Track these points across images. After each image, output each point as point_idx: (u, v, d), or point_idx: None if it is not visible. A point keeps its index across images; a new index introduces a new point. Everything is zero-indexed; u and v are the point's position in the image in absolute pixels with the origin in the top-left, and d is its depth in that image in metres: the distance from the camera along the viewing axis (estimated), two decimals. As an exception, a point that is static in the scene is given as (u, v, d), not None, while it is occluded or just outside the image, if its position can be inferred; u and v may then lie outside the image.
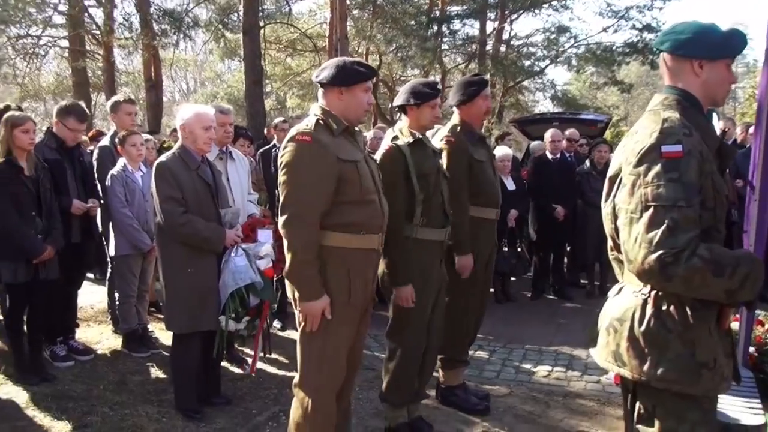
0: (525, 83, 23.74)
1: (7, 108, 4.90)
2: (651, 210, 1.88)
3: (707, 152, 1.97)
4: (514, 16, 22.35)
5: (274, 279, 4.20)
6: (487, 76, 4.24)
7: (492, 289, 7.33)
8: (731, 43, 2.05)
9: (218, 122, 4.26)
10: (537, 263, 7.54)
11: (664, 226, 1.84)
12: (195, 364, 3.94)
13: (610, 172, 2.15)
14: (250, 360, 4.44)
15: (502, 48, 22.69)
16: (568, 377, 4.85)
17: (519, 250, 7.69)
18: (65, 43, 19.03)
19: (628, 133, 2.15)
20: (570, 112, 15.36)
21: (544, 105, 26.47)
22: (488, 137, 19.00)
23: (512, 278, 7.55)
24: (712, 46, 2.04)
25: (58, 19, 18.35)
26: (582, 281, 7.86)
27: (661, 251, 1.82)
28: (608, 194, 2.15)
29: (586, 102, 25.96)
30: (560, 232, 7.23)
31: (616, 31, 20.74)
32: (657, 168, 1.90)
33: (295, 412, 2.95)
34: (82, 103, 5.08)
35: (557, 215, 7.03)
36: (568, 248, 7.88)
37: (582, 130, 8.96)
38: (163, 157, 3.88)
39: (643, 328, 2.01)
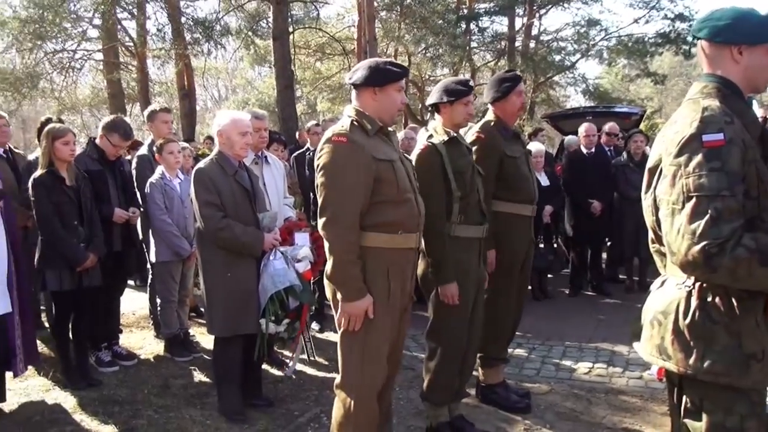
0: (556, 78, 23.46)
1: (49, 121, 5.04)
2: (693, 200, 1.84)
3: (750, 140, 1.93)
4: (542, 11, 22.15)
5: (312, 281, 4.24)
6: (513, 72, 4.11)
7: (530, 287, 7.30)
8: (771, 27, 2.01)
9: (253, 127, 4.32)
10: (574, 259, 7.46)
11: (708, 216, 1.80)
12: (237, 367, 3.98)
13: (649, 164, 2.12)
14: (290, 362, 4.48)
15: (532, 44, 22.49)
16: (610, 373, 4.79)
17: (555, 246, 7.63)
18: (100, 56, 19.40)
19: (667, 123, 2.12)
20: (603, 106, 15.16)
21: (576, 100, 26.20)
22: (522, 132, 18.89)
23: (549, 275, 7.47)
24: (751, 31, 2.00)
25: (93, 33, 18.73)
26: (621, 276, 7.76)
27: (705, 242, 1.79)
28: (648, 186, 2.11)
29: (618, 95, 25.61)
30: (597, 227, 7.15)
31: (647, 21, 20.39)
32: (698, 157, 1.86)
33: (337, 413, 2.97)
34: (128, 120, 5.20)
35: (594, 210, 6.96)
36: (607, 243, 7.80)
37: (616, 124, 8.84)
38: (201, 164, 3.94)
39: (688, 320, 1.97)
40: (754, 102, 2.36)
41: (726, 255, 1.77)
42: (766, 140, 2.06)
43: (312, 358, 4.93)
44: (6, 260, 3.82)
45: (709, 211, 1.81)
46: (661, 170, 2.01)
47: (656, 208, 2.03)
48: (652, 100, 29.84)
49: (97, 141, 4.93)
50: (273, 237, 3.93)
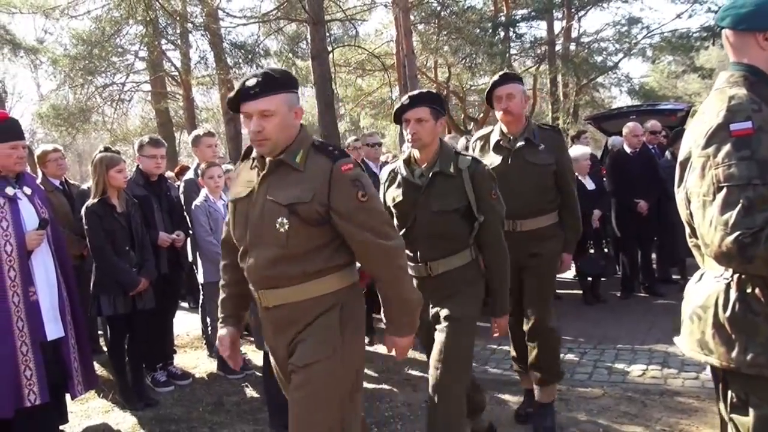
0: (599, 80, 23.17)
1: (107, 149, 5.23)
2: (724, 191, 1.82)
3: (780, 127, 1.89)
4: (581, 13, 21.93)
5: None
6: (498, 75, 3.88)
7: (581, 291, 7.21)
8: (796, 11, 1.97)
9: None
10: (624, 261, 7.32)
11: (740, 206, 1.77)
12: None
13: (680, 157, 2.10)
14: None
15: (572, 46, 22.25)
16: (665, 375, 4.69)
17: (606, 250, 7.51)
18: (147, 86, 20.03)
19: (696, 115, 2.09)
20: (647, 104, 14.89)
21: (622, 100, 25.76)
22: (565, 135, 18.73)
23: (602, 279, 7.35)
24: (776, 17, 1.97)
25: (139, 65, 19.34)
26: (674, 276, 7.58)
27: (738, 232, 1.76)
28: (680, 180, 2.09)
29: (665, 92, 25.10)
30: (645, 227, 7.02)
31: (690, 16, 20.04)
32: (727, 147, 1.84)
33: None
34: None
35: (640, 209, 6.83)
36: (657, 243, 7.63)
37: (661, 121, 8.69)
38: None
39: (728, 313, 1.94)
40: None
41: (761, 244, 1.74)
42: (799, 126, 2.02)
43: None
44: (56, 287, 3.97)
45: (741, 201, 1.78)
46: (691, 163, 1.99)
47: (689, 202, 2.01)
48: (700, 95, 29.00)
49: (140, 165, 5.10)
50: None
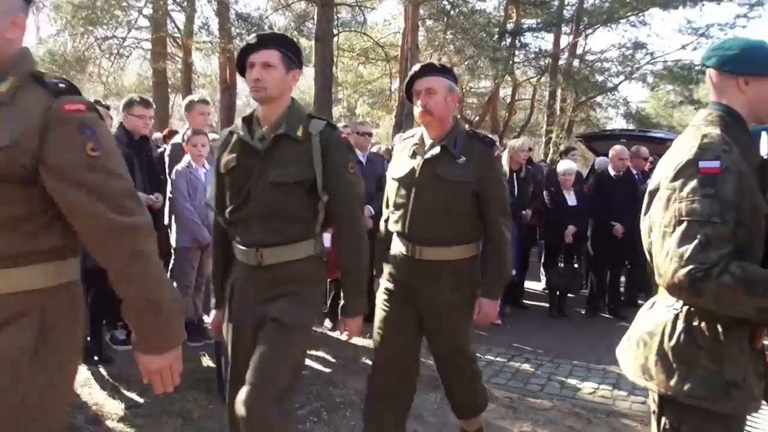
0: (598, 99, 23.34)
1: (98, 103, 5.21)
2: (684, 224, 1.87)
3: (747, 170, 1.94)
4: (589, 31, 22.00)
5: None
6: (420, 65, 3.30)
7: (548, 304, 7.31)
8: (779, 60, 2.02)
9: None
10: (593, 280, 7.43)
11: (696, 241, 1.83)
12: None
13: (650, 187, 2.15)
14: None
15: (575, 62, 22.38)
16: (614, 396, 4.78)
17: (576, 266, 7.60)
18: (148, 45, 19.83)
19: (671, 148, 2.14)
20: (639, 130, 15.03)
21: (617, 122, 25.93)
22: (555, 151, 18.87)
23: (569, 294, 7.44)
24: (759, 63, 2.02)
25: (142, 22, 19.16)
26: (640, 302, 7.68)
27: (691, 266, 1.82)
28: (647, 208, 2.15)
29: (660, 120, 25.32)
30: (619, 250, 7.10)
31: (695, 48, 20.19)
32: (693, 183, 1.89)
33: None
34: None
35: (616, 232, 6.92)
36: (627, 267, 7.74)
37: (651, 149, 8.76)
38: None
39: (672, 342, 2.00)
40: (764, 133, 2.36)
41: (711, 281, 1.79)
42: (765, 172, 2.08)
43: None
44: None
45: (699, 236, 1.83)
46: (659, 194, 2.04)
47: (651, 231, 2.06)
48: (694, 128, 29.36)
49: (124, 123, 5.07)
50: None
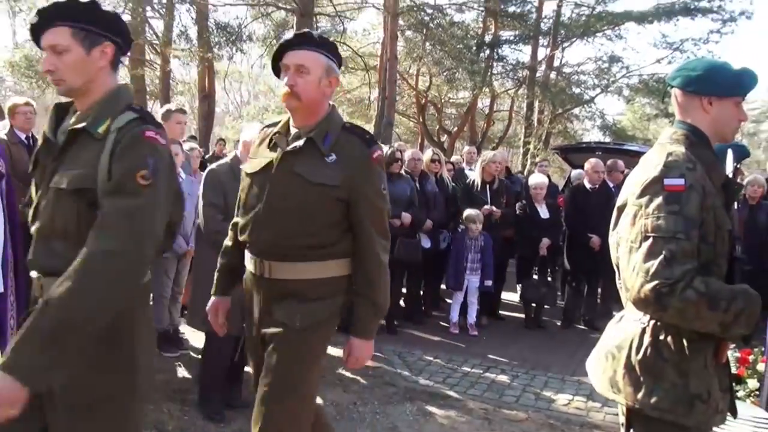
0: (575, 111, 23.61)
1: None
2: (650, 240, 1.92)
3: (711, 187, 2.00)
4: (566, 44, 22.31)
5: None
6: (294, 33, 2.60)
7: (523, 315, 7.37)
8: (741, 81, 2.08)
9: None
10: (569, 292, 7.50)
11: (662, 256, 1.88)
12: (225, 366, 4.10)
13: (618, 202, 2.19)
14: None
15: (552, 75, 22.64)
16: (588, 407, 4.83)
17: (549, 279, 7.67)
18: (126, 51, 19.69)
19: (638, 165, 2.19)
20: (615, 143, 15.23)
21: (593, 134, 26.24)
22: (533, 162, 19.05)
23: (545, 306, 7.50)
24: (722, 84, 2.08)
25: (121, 29, 19.01)
26: (614, 313, 7.74)
27: (656, 281, 1.86)
28: (615, 223, 2.19)
29: (636, 133, 25.60)
30: (595, 262, 7.16)
31: (670, 62, 20.50)
32: (658, 200, 1.94)
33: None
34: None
35: (592, 245, 7.00)
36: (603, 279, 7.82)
37: (626, 162, 8.87)
38: (214, 165, 4.07)
39: (639, 356, 2.04)
40: (729, 151, 2.42)
41: (676, 295, 1.84)
42: (729, 189, 2.14)
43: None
44: (2, 242, 3.94)
45: (663, 252, 1.88)
46: (626, 210, 2.09)
47: (618, 246, 2.11)
48: (670, 140, 29.76)
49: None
50: None
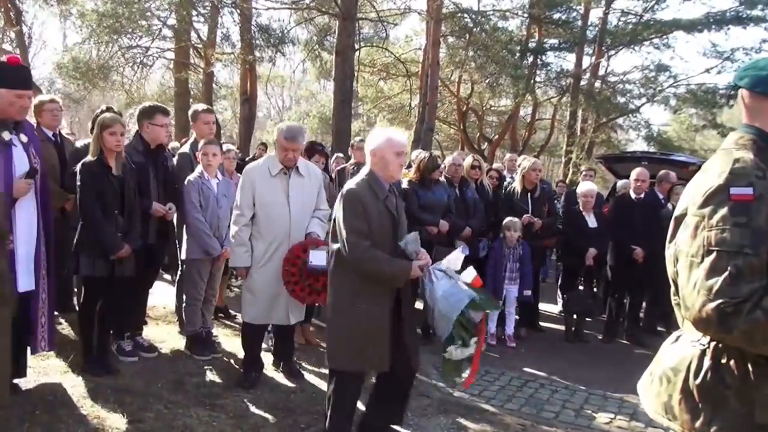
0: (619, 121, 23.15)
1: (109, 110, 5.17)
2: (713, 255, 1.76)
3: (782, 198, 1.82)
4: (611, 52, 21.89)
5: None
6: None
7: (563, 328, 7.14)
8: (818, 82, 1.91)
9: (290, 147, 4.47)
10: (612, 305, 7.25)
11: (726, 273, 1.71)
12: (353, 405, 3.69)
13: (676, 212, 2.04)
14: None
15: (597, 83, 22.23)
16: (631, 427, 4.61)
17: (595, 290, 7.44)
18: (171, 54, 19.97)
19: (699, 172, 2.03)
20: (661, 153, 14.83)
21: (637, 144, 25.71)
22: (575, 172, 18.69)
23: (588, 318, 7.26)
24: (795, 85, 1.90)
25: (166, 32, 19.28)
26: (659, 328, 7.49)
27: (720, 300, 1.70)
28: (672, 235, 2.03)
29: (682, 144, 25.01)
30: (639, 275, 6.93)
31: (719, 72, 20.04)
32: (723, 211, 1.78)
33: None
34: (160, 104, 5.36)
35: (636, 257, 6.76)
36: (648, 292, 7.55)
37: (673, 172, 8.61)
38: (352, 184, 3.57)
39: (698, 380, 1.88)
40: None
41: (742, 317, 1.68)
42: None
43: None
44: (36, 240, 3.92)
45: (729, 268, 1.72)
46: (686, 220, 1.93)
47: (677, 259, 1.95)
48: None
49: (143, 132, 4.98)
50: (420, 262, 3.52)
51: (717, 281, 1.72)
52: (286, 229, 4.50)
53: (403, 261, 3.50)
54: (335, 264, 3.60)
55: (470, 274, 3.61)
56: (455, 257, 3.65)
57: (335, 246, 3.54)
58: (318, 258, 4.24)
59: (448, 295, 3.45)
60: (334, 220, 3.59)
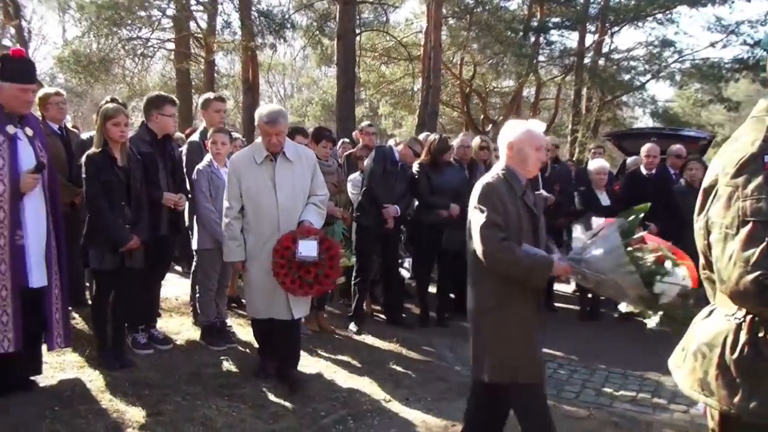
0: (624, 98, 22.99)
1: (114, 101, 5.11)
2: (749, 225, 1.70)
3: (818, 165, 1.76)
4: (615, 29, 21.67)
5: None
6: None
7: (578, 307, 7.09)
8: None
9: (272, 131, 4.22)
10: (626, 282, 7.18)
11: (764, 244, 1.66)
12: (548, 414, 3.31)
13: (704, 184, 1.97)
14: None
15: (601, 61, 22.04)
16: (654, 404, 4.57)
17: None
18: (171, 45, 19.87)
19: (728, 140, 1.96)
20: (669, 128, 14.69)
21: (643, 121, 25.52)
22: (582, 150, 18.58)
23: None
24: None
25: (165, 22, 19.19)
26: (674, 305, 7.42)
27: (758, 272, 1.65)
28: (701, 208, 1.97)
29: (688, 119, 24.82)
30: (653, 251, 6.86)
31: (725, 46, 19.84)
32: (758, 179, 1.72)
33: None
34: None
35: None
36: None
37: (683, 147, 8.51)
38: (489, 178, 3.24)
39: (735, 355, 1.82)
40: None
41: (782, 288, 1.62)
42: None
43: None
44: (46, 234, 3.88)
45: (767, 239, 1.66)
46: (716, 191, 1.87)
47: (708, 232, 1.89)
48: (723, 126, 28.72)
49: (150, 123, 4.89)
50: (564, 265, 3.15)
51: (754, 252, 1.67)
52: (275, 219, 4.26)
53: (544, 255, 3.13)
54: (473, 267, 3.24)
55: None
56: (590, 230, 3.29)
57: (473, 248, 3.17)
58: (307, 248, 4.06)
59: (602, 254, 3.07)
60: (469, 222, 3.23)
